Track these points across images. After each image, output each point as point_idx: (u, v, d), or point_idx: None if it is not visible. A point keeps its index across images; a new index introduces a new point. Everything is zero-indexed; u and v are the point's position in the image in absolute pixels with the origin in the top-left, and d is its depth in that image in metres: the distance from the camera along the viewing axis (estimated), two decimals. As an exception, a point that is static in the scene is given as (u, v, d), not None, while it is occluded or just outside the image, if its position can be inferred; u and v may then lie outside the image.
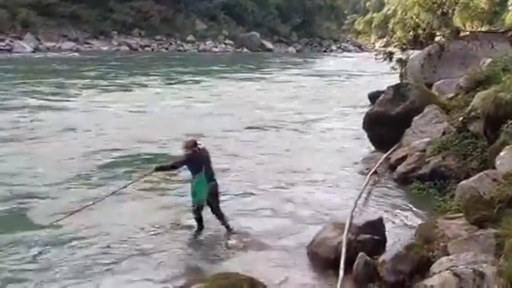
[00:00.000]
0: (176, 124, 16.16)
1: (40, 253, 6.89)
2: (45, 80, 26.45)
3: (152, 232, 7.72)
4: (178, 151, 8.62)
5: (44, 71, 30.80)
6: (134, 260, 6.77)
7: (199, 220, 7.78)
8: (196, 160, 7.56)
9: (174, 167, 7.90)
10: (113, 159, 11.86)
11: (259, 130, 15.84)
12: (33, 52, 44.76)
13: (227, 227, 7.81)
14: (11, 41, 45.76)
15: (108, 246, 7.15)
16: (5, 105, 18.45)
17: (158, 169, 7.87)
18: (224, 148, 13.17)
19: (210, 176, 7.66)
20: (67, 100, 20.47)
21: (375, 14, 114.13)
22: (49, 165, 11.10)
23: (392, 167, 11.07)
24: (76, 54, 46.09)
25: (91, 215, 8.09)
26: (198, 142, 7.82)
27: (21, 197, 9.09)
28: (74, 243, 7.25)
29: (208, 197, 7.63)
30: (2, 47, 44.46)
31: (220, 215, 7.83)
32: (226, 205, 8.83)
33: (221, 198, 8.29)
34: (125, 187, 8.20)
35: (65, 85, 25.21)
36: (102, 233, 7.52)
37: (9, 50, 44.08)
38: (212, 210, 7.80)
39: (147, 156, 12.14)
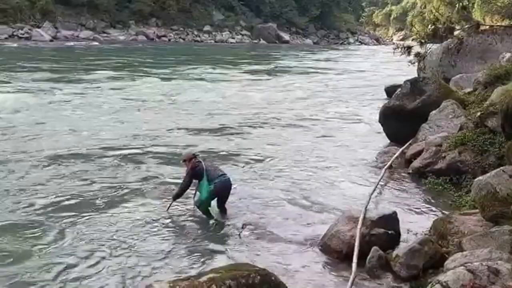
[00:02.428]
0: (188, 119, 16.27)
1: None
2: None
3: (164, 223, 7.76)
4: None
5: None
6: (145, 251, 6.80)
7: (207, 213, 7.97)
8: (199, 170, 7.97)
9: (186, 187, 8.12)
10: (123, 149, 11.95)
11: (273, 123, 15.76)
12: (51, 40, 45.11)
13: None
14: (29, 29, 46.20)
15: (121, 239, 7.17)
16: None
17: (175, 197, 8.13)
18: (238, 142, 13.16)
19: (213, 178, 7.90)
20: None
21: (393, 7, 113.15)
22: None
23: (408, 162, 11.01)
24: (95, 43, 46.34)
25: (102, 210, 8.19)
26: (196, 154, 8.46)
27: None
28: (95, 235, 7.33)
29: (213, 195, 7.92)
30: (20, 35, 44.95)
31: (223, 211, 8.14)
32: (241, 197, 8.88)
33: (237, 189, 8.64)
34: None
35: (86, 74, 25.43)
36: (115, 227, 7.52)
37: (28, 38, 44.48)
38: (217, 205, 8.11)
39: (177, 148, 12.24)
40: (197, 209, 8.02)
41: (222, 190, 7.96)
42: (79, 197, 8.61)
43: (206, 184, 7.84)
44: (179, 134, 13.66)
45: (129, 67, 29.86)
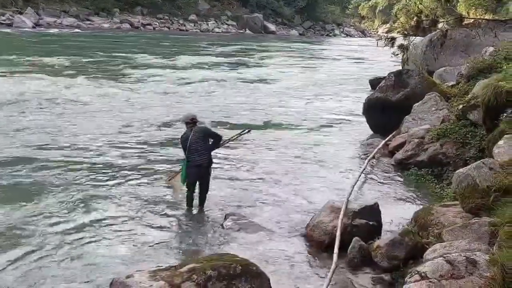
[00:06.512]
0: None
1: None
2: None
3: (149, 212, 7.74)
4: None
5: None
6: (129, 240, 6.80)
7: (188, 198, 7.92)
8: (183, 142, 7.78)
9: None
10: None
11: (256, 114, 15.72)
12: (34, 27, 44.37)
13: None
14: (11, 16, 45.38)
15: (104, 228, 7.14)
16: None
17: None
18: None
19: (192, 158, 7.70)
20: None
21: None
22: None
23: (391, 153, 11.10)
24: (78, 30, 45.60)
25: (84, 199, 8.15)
26: (191, 118, 7.92)
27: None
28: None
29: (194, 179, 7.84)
30: (2, 21, 44.14)
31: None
32: (225, 188, 8.87)
33: (221, 180, 8.78)
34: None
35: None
36: (98, 217, 7.49)
37: (10, 25, 43.73)
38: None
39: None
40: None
41: (193, 178, 7.83)
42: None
43: (184, 163, 7.79)
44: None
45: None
